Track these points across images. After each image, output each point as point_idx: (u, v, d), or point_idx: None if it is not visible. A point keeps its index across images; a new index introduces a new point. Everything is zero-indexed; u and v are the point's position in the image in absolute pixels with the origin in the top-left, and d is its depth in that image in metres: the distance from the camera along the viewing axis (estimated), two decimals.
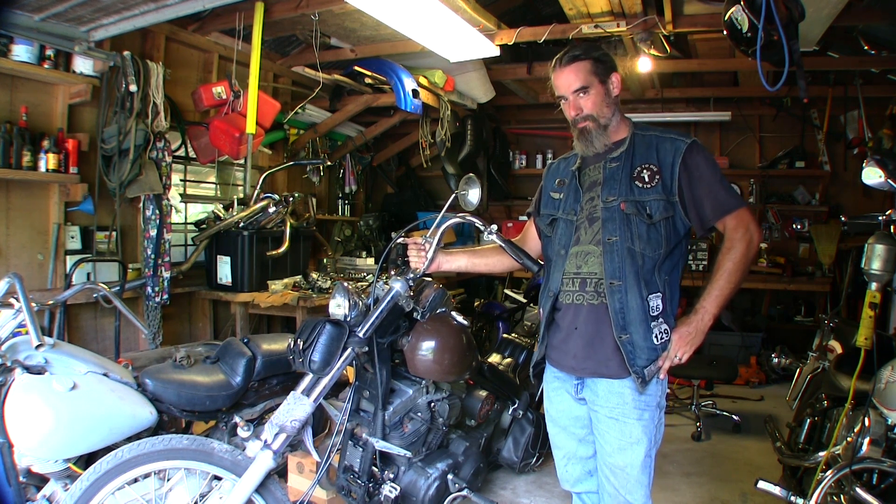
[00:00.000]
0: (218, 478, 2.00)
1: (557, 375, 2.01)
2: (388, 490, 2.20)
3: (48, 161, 3.19)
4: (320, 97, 4.75)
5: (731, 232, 1.80)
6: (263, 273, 4.23)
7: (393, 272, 2.16)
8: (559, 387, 2.01)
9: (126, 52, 3.43)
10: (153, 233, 3.69)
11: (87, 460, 2.03)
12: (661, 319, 1.81)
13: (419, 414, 2.26)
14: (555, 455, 2.10)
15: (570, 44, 1.95)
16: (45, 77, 3.25)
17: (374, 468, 2.25)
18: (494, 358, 3.31)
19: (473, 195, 2.10)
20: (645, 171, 1.84)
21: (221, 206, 4.32)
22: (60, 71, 3.26)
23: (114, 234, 3.60)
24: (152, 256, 3.70)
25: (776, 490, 2.35)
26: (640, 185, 1.83)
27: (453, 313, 2.36)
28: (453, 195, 2.11)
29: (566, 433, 2.02)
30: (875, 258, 2.22)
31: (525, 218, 2.25)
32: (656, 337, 1.79)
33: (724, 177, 1.85)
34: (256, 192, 4.33)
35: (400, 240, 2.23)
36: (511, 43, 3.96)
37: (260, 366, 2.54)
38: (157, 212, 3.70)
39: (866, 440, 2.06)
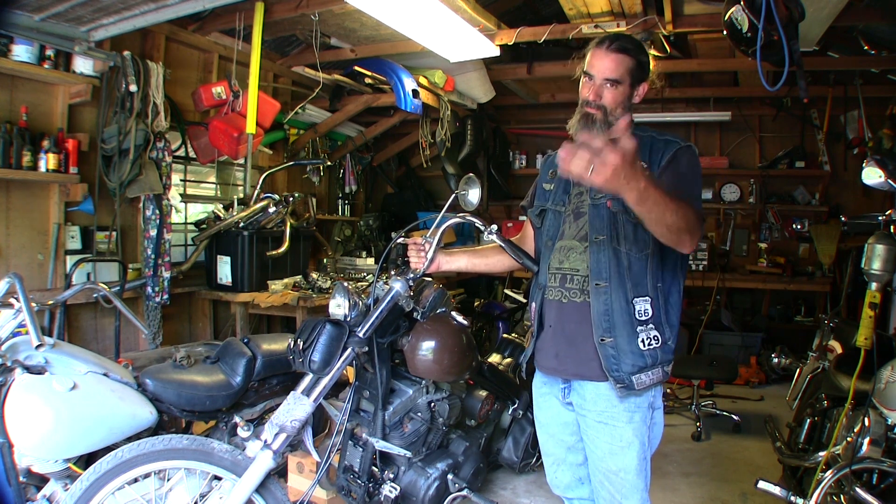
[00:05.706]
0: (218, 478, 2.01)
1: (545, 381, 1.98)
2: (388, 490, 2.20)
3: (48, 161, 3.19)
4: (320, 97, 4.75)
5: None
6: (263, 273, 4.22)
7: (393, 272, 2.15)
8: (547, 392, 1.98)
9: (126, 52, 3.43)
10: (153, 233, 3.69)
11: (87, 460, 2.03)
12: (650, 325, 1.73)
13: (419, 414, 2.26)
14: (544, 460, 2.07)
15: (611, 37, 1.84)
16: (45, 77, 3.24)
17: (374, 468, 2.25)
18: (494, 358, 3.31)
19: (473, 195, 2.09)
20: None
21: (221, 206, 4.31)
22: (60, 71, 3.26)
23: (114, 234, 3.60)
24: (152, 256, 3.70)
25: (776, 490, 2.35)
26: None
27: (453, 313, 2.36)
28: (453, 195, 2.10)
29: (554, 440, 1.98)
30: (875, 258, 2.22)
31: (525, 217, 2.23)
32: (643, 342, 1.72)
33: (697, 185, 1.77)
34: (256, 192, 4.32)
35: (400, 240, 2.23)
36: (511, 43, 3.96)
37: (260, 366, 2.54)
38: (157, 212, 3.69)
39: (866, 440, 2.06)
